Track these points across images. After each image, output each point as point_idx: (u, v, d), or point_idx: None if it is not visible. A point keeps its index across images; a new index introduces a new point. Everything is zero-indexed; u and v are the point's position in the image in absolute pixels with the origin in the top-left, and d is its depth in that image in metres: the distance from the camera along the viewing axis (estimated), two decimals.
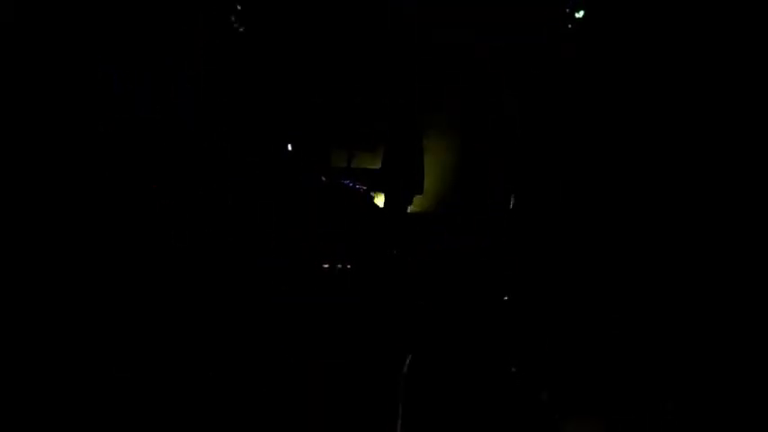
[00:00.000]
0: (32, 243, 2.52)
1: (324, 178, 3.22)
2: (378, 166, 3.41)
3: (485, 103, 3.33)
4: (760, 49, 2.63)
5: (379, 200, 3.36)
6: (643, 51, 2.87)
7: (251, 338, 2.58)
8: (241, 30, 3.07)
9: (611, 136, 2.95)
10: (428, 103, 3.44)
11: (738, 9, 2.68)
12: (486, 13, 3.22)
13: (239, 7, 3.05)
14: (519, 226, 3.07)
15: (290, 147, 3.19)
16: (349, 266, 3.02)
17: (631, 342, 2.59)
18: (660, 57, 2.84)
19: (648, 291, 2.72)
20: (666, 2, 2.83)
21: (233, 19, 3.05)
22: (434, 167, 3.43)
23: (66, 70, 2.72)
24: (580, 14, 2.95)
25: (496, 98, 3.30)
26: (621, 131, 2.92)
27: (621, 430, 2.26)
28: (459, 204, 3.31)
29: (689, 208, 2.73)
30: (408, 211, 3.38)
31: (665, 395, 2.36)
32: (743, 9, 2.67)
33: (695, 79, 2.76)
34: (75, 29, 2.73)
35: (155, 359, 2.36)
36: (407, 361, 2.06)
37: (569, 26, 2.98)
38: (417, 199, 3.39)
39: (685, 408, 2.30)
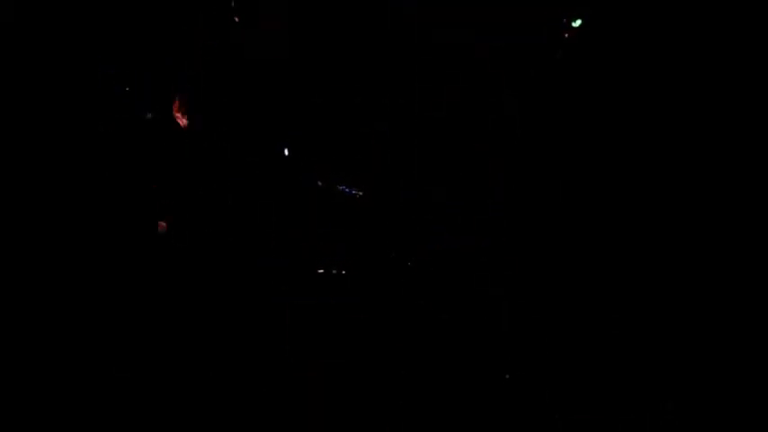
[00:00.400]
0: (32, 243, 2.52)
1: (320, 182, 3.22)
2: (376, 167, 3.40)
3: (485, 103, 3.33)
4: (756, 56, 2.64)
5: (376, 202, 3.35)
6: (642, 54, 2.88)
7: (251, 338, 2.58)
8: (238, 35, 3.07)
9: (611, 136, 2.95)
10: (428, 103, 3.43)
11: (735, 13, 2.69)
12: (486, 13, 3.22)
13: (235, 18, 3.05)
14: (519, 226, 3.07)
15: (286, 152, 3.19)
16: (344, 272, 3.03)
17: (631, 342, 2.59)
18: (660, 59, 2.85)
19: (648, 291, 2.72)
20: (665, 8, 2.84)
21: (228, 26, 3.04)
22: (434, 167, 3.42)
23: (66, 70, 2.72)
24: (577, 23, 2.95)
25: (496, 98, 3.29)
26: (621, 132, 2.93)
27: (621, 430, 2.26)
28: (460, 204, 3.30)
29: (688, 208, 2.74)
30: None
31: (665, 395, 2.36)
32: (739, 13, 2.68)
33: (695, 80, 2.77)
34: (75, 29, 2.73)
35: (155, 359, 2.36)
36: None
37: (566, 35, 2.99)
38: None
39: (685, 408, 2.30)
